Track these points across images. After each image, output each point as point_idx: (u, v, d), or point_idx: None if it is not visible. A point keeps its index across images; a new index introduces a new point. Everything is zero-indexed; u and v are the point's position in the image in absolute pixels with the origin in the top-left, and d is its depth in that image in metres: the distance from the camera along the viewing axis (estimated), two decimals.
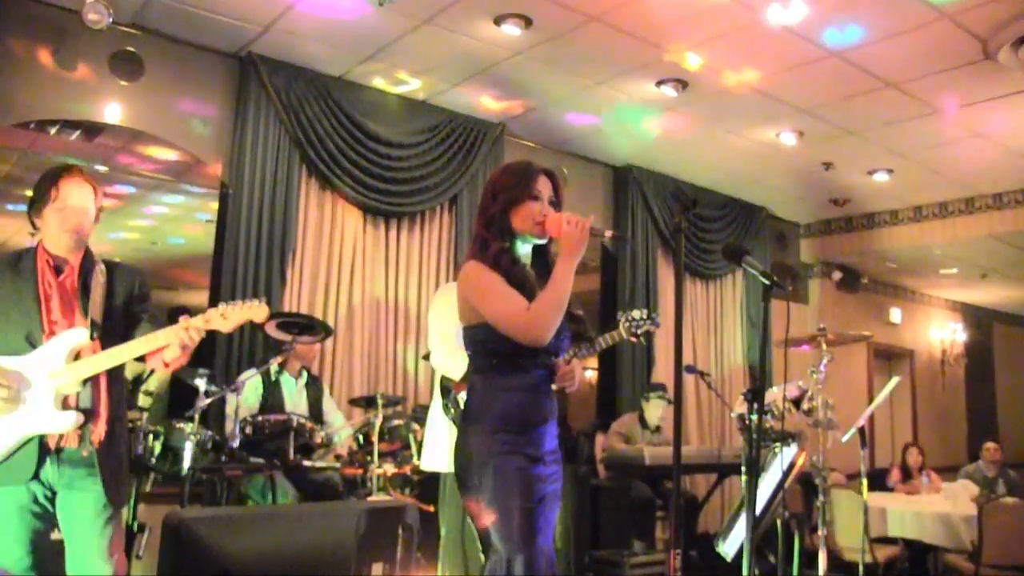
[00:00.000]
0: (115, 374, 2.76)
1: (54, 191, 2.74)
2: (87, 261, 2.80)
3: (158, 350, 2.69)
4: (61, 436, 2.64)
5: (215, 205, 5.79)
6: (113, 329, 2.77)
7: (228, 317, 2.69)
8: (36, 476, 2.62)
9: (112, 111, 5.25)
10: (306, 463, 4.61)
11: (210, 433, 4.47)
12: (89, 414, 2.68)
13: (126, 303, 2.85)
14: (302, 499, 4.63)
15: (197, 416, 4.25)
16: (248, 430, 4.51)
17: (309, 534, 2.54)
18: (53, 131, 5.64)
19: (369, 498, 4.51)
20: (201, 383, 4.31)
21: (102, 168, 6.50)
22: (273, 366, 4.97)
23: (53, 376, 2.62)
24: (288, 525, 2.59)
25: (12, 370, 2.61)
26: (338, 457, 4.86)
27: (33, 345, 2.66)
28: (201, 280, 5.84)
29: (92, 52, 5.08)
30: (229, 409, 4.75)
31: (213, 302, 5.48)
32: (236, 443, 4.36)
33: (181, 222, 8.18)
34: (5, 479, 2.60)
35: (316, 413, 5.15)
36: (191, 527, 2.31)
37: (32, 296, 2.70)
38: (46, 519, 2.67)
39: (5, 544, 2.59)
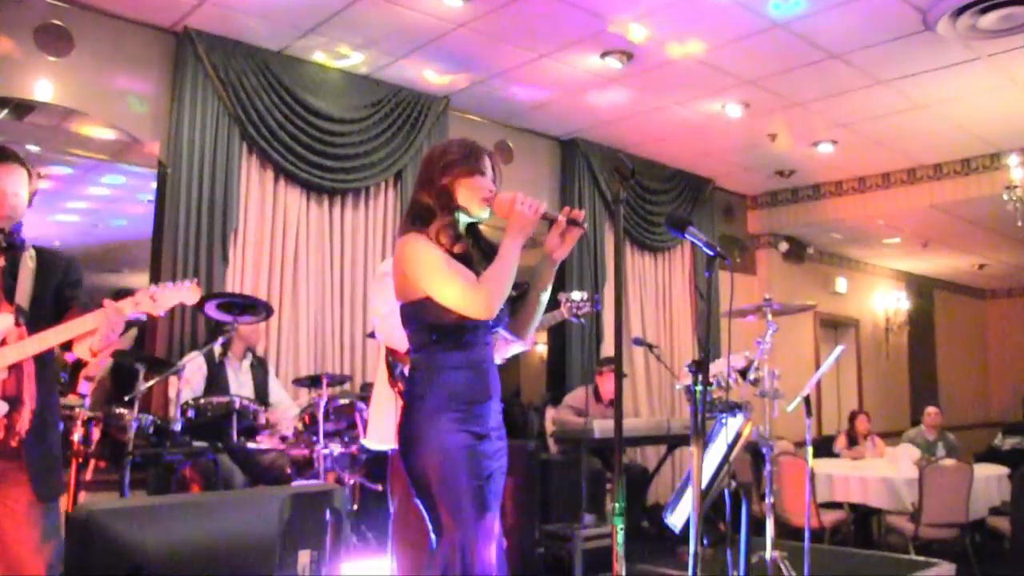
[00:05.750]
0: (43, 361, 2.67)
1: None
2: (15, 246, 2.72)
3: (86, 335, 2.60)
4: None
5: (156, 185, 5.64)
6: (40, 315, 2.68)
7: (158, 300, 2.63)
8: None
9: (42, 88, 5.05)
10: (250, 445, 4.54)
11: (152, 418, 4.38)
12: (14, 403, 2.59)
13: (57, 289, 2.76)
14: (249, 482, 4.56)
15: (137, 401, 4.15)
16: (190, 413, 4.42)
17: (230, 524, 2.46)
18: None
19: (313, 480, 4.46)
20: (141, 367, 4.22)
21: (35, 148, 6.27)
22: (217, 348, 4.89)
23: None
24: (207, 515, 2.49)
25: None
26: (284, 438, 4.79)
27: None
28: (145, 262, 5.71)
29: (15, 24, 4.87)
30: (171, 393, 4.66)
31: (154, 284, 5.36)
32: (178, 427, 4.29)
33: (122, 203, 7.98)
34: None
35: (262, 395, 5.08)
36: (101, 520, 2.20)
37: None
38: None
39: None
